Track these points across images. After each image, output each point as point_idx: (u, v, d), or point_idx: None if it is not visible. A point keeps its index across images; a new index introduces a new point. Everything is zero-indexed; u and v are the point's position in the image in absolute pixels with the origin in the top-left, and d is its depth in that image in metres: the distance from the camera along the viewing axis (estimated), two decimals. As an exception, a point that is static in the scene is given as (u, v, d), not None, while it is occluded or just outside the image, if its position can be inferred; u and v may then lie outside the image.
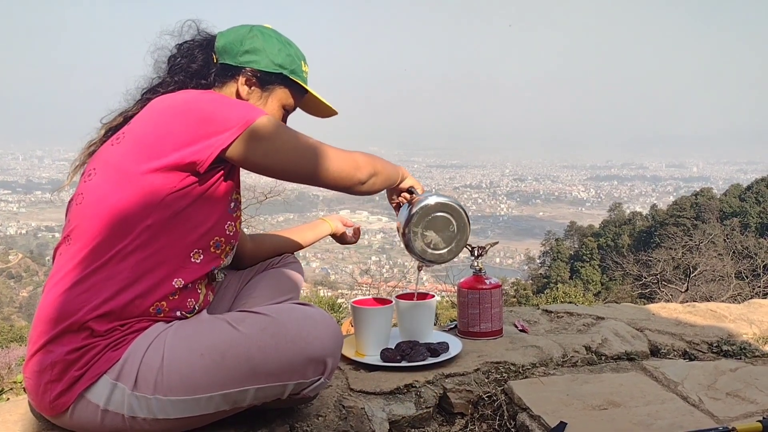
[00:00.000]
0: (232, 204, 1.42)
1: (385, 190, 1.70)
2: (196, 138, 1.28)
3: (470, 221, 1.77)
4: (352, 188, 1.49)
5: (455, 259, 1.80)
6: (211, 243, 1.38)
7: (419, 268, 1.86)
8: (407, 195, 1.70)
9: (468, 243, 2.10)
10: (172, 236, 1.31)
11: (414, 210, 1.67)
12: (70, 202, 1.38)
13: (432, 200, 1.69)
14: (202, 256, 1.37)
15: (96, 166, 1.35)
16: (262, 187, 15.71)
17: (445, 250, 1.73)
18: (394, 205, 1.75)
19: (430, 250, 1.71)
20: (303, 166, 1.39)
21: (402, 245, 1.73)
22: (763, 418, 1.38)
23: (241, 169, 1.43)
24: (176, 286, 1.33)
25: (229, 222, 1.41)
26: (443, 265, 1.85)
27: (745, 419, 1.42)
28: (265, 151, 1.34)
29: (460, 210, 1.72)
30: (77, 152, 1.48)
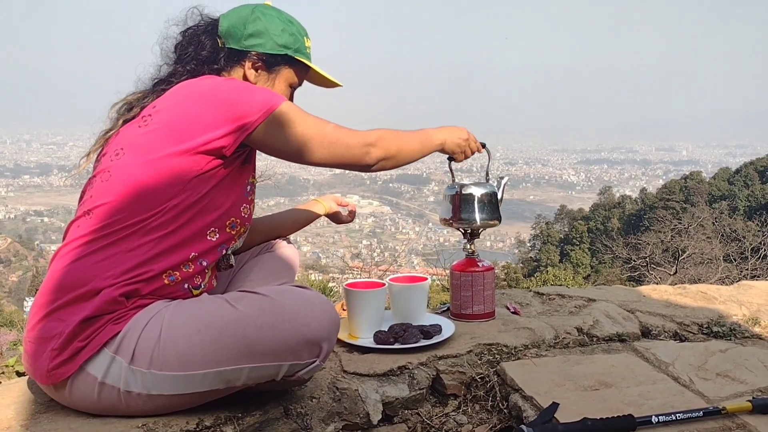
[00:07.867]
0: (248, 187, 1.48)
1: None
2: (223, 122, 1.35)
3: None
4: (363, 169, 1.55)
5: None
6: (227, 223, 1.43)
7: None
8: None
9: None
10: (194, 217, 1.36)
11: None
12: (91, 179, 1.41)
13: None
14: (217, 235, 1.42)
15: (123, 146, 1.39)
16: (252, 172, 15.59)
17: None
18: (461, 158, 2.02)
19: None
20: (318, 152, 1.44)
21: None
22: (753, 397, 1.40)
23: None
24: (190, 258, 1.37)
25: (244, 204, 1.47)
26: None
27: (735, 399, 1.44)
28: (286, 137, 1.40)
29: None
30: (93, 138, 1.50)
